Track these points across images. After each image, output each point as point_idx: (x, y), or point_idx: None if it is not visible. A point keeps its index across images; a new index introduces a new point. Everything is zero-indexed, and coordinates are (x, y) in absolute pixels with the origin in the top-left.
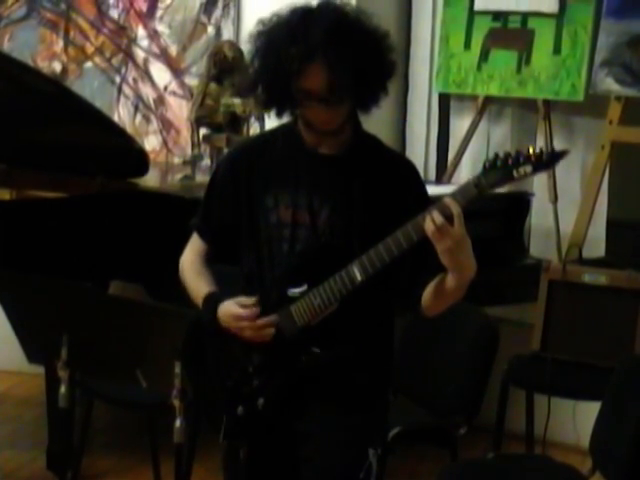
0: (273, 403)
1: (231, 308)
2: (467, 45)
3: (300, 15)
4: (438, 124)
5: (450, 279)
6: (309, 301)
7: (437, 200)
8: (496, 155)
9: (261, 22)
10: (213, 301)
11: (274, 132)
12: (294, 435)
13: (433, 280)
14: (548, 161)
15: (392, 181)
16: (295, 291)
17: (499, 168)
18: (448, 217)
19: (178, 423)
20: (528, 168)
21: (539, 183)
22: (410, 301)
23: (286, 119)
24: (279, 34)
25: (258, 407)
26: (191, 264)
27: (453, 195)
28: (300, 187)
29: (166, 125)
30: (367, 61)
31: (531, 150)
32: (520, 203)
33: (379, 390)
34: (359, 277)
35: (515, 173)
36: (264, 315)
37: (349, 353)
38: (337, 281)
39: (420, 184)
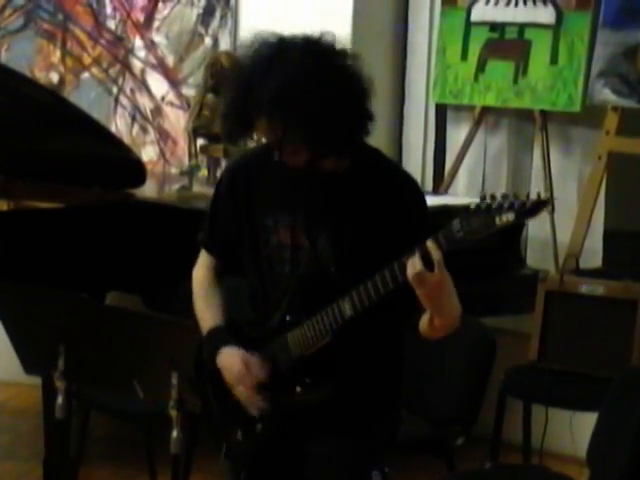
0: (271, 429)
1: (235, 362)
2: (464, 56)
3: (264, 59)
4: (435, 134)
5: (436, 319)
6: (303, 332)
7: (435, 210)
8: (483, 196)
9: (244, 49)
10: (214, 342)
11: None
12: (296, 456)
13: (426, 312)
14: (531, 209)
15: (390, 200)
16: (292, 319)
17: (482, 212)
18: (429, 262)
19: (175, 434)
20: (510, 216)
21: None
22: (408, 327)
23: None
24: (242, 74)
25: (256, 432)
26: (200, 284)
27: (436, 239)
28: (298, 207)
29: (163, 136)
30: (322, 118)
31: (516, 196)
32: None
33: (384, 413)
34: (349, 312)
35: (497, 220)
36: (263, 342)
37: (344, 384)
38: (329, 315)
39: (419, 202)
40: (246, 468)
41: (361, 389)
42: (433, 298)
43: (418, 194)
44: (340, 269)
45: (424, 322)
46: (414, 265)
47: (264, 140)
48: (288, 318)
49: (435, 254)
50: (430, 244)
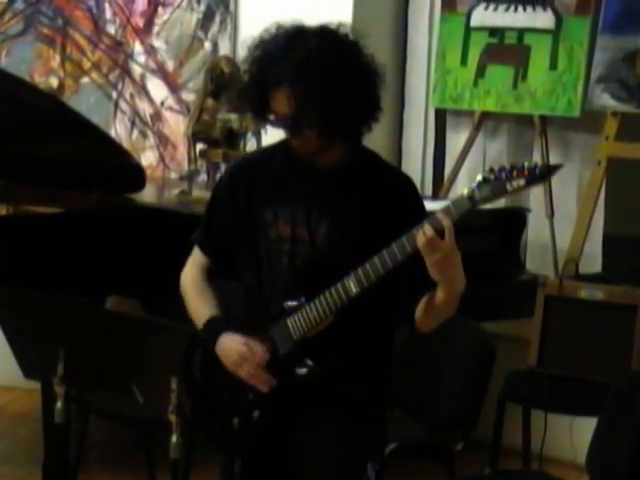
0: (269, 416)
1: (238, 344)
2: (463, 61)
3: (285, 37)
4: (434, 139)
5: (440, 293)
6: (305, 314)
7: (431, 214)
8: (491, 169)
9: (262, 32)
10: (214, 329)
11: (274, 147)
12: (291, 448)
13: (425, 295)
14: (541, 175)
15: (390, 196)
16: (292, 304)
17: (493, 182)
18: (439, 231)
19: (174, 439)
20: (521, 181)
21: (535, 198)
22: (405, 317)
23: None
24: (263, 51)
25: (253, 420)
26: (193, 280)
27: (446, 208)
28: (298, 202)
29: (163, 140)
30: (339, 99)
31: (525, 164)
32: (516, 218)
33: (377, 404)
34: (354, 289)
35: (509, 186)
36: (261, 331)
37: (344, 366)
38: (333, 294)
39: (417, 199)
40: (241, 459)
41: (358, 373)
42: (443, 266)
43: (416, 190)
44: (341, 256)
45: (420, 308)
46: (425, 232)
47: (276, 117)
48: (286, 305)
49: (445, 221)
50: (440, 213)
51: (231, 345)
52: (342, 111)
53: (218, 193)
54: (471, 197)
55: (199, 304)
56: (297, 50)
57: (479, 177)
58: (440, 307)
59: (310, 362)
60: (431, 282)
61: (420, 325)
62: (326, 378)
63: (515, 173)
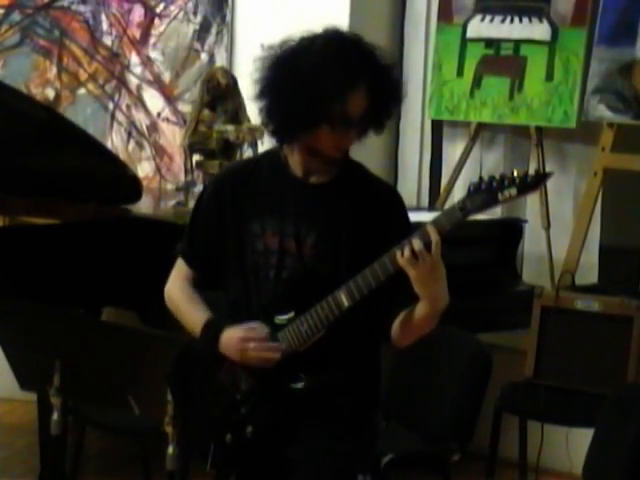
0: (262, 430)
1: (238, 331)
2: (460, 72)
3: (321, 45)
4: (431, 150)
5: (420, 308)
6: (296, 328)
7: (421, 226)
8: (481, 178)
9: (271, 48)
10: (214, 329)
11: (259, 159)
12: (283, 462)
13: (404, 310)
14: (533, 183)
15: (377, 208)
16: (282, 318)
17: (484, 191)
18: (427, 244)
19: (170, 450)
20: (513, 191)
21: (532, 209)
22: (382, 330)
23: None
24: (315, 61)
25: (247, 435)
26: (180, 290)
27: (437, 220)
28: (286, 214)
29: (159, 151)
30: (395, 87)
31: (515, 173)
32: (513, 229)
33: (367, 416)
34: (346, 303)
35: (500, 196)
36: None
37: (337, 379)
38: (324, 307)
39: (403, 212)
40: (234, 475)
41: (349, 385)
42: (426, 281)
43: (402, 201)
44: (329, 268)
45: (398, 322)
46: (413, 245)
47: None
48: (277, 320)
49: (433, 235)
50: (429, 227)
51: (231, 336)
52: (397, 98)
53: (202, 204)
54: (462, 208)
55: (192, 310)
56: (350, 50)
57: (470, 187)
58: (420, 323)
59: (305, 376)
60: (413, 298)
61: (396, 340)
62: (318, 391)
63: (506, 182)
